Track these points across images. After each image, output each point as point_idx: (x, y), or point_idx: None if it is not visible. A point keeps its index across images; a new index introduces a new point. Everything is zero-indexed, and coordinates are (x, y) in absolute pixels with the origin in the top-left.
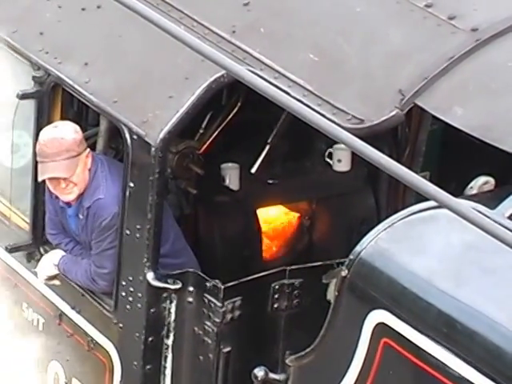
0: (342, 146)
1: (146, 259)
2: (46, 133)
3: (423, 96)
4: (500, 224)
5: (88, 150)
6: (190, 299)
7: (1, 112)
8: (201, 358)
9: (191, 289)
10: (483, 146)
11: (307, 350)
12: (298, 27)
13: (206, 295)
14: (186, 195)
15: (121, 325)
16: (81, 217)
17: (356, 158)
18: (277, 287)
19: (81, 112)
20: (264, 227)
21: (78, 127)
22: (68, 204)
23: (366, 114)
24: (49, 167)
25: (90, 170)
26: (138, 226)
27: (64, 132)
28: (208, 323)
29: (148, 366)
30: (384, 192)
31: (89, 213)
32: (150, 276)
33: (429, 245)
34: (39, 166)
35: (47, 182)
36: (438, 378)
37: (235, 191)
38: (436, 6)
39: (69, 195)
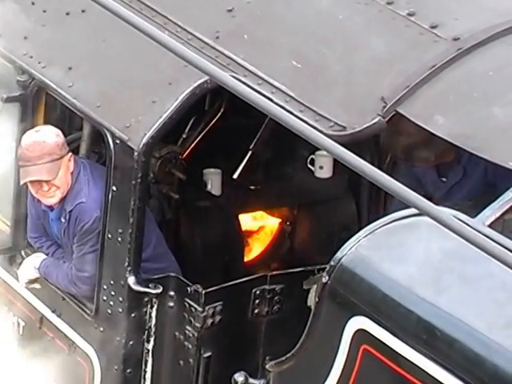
0: (324, 152)
1: (127, 263)
2: (28, 137)
3: (405, 104)
4: (480, 232)
5: (70, 153)
6: (171, 304)
7: None
8: (181, 362)
9: (172, 293)
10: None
11: (287, 355)
12: (282, 34)
13: (187, 300)
14: (168, 200)
15: (101, 329)
16: (63, 220)
17: (338, 164)
18: (258, 293)
19: (64, 116)
20: (245, 233)
21: (59, 131)
22: (50, 207)
23: (348, 121)
24: (31, 171)
25: (72, 173)
26: (120, 230)
27: (46, 136)
28: (189, 328)
29: (128, 370)
30: (365, 199)
31: (71, 216)
32: (132, 280)
33: (409, 252)
34: (21, 169)
35: (29, 186)
36: None
37: (217, 196)
38: (418, 15)
39: (51, 199)
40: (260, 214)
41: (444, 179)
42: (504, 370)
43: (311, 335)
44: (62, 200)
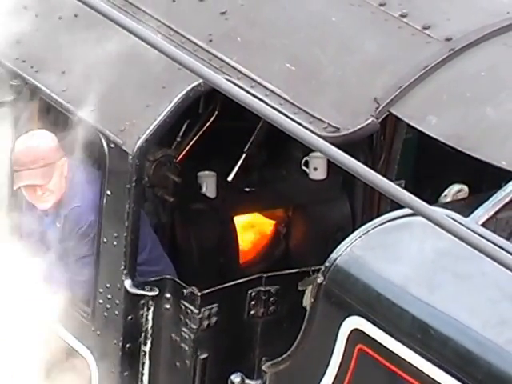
0: (318, 154)
1: (123, 267)
2: (22, 142)
3: (398, 105)
4: (473, 231)
5: (64, 157)
6: (167, 306)
7: None
8: (178, 364)
9: (168, 296)
10: (457, 154)
11: (283, 356)
12: (275, 36)
13: (183, 302)
14: (163, 203)
15: (98, 332)
16: (58, 225)
17: (332, 166)
18: (253, 294)
19: (58, 120)
20: (240, 235)
21: (53, 135)
22: (45, 212)
23: (342, 122)
24: (24, 175)
25: (66, 177)
26: (116, 234)
27: (39, 140)
28: (185, 330)
29: (125, 373)
30: (359, 200)
31: (66, 221)
32: (128, 283)
33: (403, 252)
34: (15, 174)
35: (23, 191)
36: (412, 383)
37: (212, 199)
38: (411, 16)
39: (45, 203)
40: (255, 215)
41: None
42: (497, 366)
43: (307, 335)
44: (57, 204)
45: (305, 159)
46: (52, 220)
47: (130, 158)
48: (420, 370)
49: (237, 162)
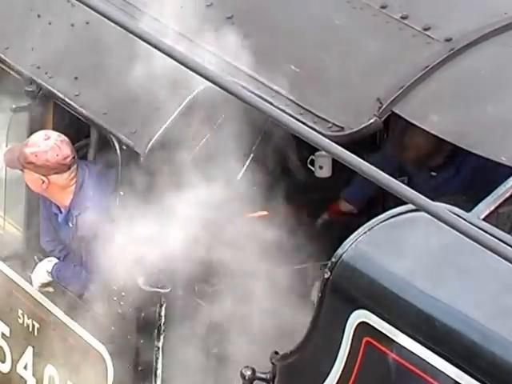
0: (324, 153)
1: (136, 264)
2: (35, 142)
3: (400, 104)
4: (475, 226)
5: (77, 159)
6: (179, 302)
7: None
8: (190, 359)
9: (180, 292)
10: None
11: (292, 349)
12: (280, 40)
13: (195, 298)
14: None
15: (113, 328)
16: (70, 225)
17: (337, 164)
18: None
19: (72, 124)
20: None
21: (67, 138)
22: (60, 211)
23: (346, 121)
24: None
25: (78, 179)
26: (128, 233)
27: (51, 143)
28: (197, 325)
29: (140, 368)
30: None
31: (77, 220)
32: (141, 281)
33: (407, 246)
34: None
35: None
36: (418, 374)
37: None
38: (411, 18)
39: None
40: (264, 212)
41: (433, 173)
42: (501, 357)
43: (315, 329)
44: (69, 205)
45: (310, 158)
46: (64, 219)
47: (142, 159)
48: (425, 361)
49: (245, 162)
